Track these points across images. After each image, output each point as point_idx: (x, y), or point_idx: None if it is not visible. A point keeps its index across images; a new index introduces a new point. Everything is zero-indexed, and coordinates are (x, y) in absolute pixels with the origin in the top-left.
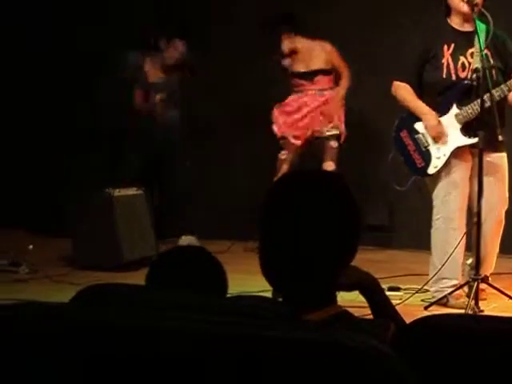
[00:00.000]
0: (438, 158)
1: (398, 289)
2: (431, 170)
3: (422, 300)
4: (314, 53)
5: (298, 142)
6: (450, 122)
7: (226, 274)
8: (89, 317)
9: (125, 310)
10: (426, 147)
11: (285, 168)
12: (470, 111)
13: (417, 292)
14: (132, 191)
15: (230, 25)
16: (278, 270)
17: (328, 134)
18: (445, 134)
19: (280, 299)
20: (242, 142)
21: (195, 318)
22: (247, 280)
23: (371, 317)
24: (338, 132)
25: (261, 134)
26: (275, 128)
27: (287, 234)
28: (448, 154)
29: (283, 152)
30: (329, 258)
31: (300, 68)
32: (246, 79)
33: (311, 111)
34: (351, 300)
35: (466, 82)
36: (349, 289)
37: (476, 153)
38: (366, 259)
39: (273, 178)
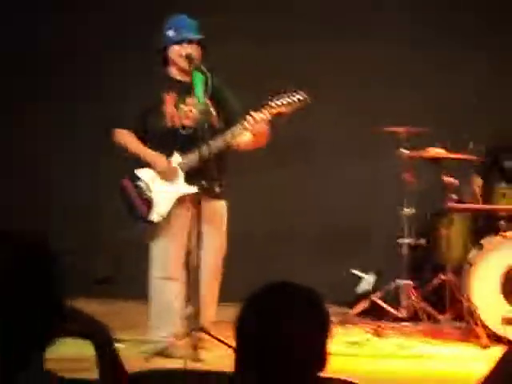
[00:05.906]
0: (163, 205)
1: (118, 341)
2: (156, 218)
3: (144, 352)
4: None
5: None
6: None
7: None
8: None
9: None
10: (149, 194)
11: None
12: (191, 158)
13: (138, 343)
14: None
15: None
16: None
17: None
18: (177, 174)
19: None
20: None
21: None
22: None
23: None
24: None
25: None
26: None
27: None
28: (172, 202)
29: None
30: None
31: None
32: None
33: None
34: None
35: (183, 131)
36: (79, 336)
37: (197, 201)
38: (90, 311)
39: None
